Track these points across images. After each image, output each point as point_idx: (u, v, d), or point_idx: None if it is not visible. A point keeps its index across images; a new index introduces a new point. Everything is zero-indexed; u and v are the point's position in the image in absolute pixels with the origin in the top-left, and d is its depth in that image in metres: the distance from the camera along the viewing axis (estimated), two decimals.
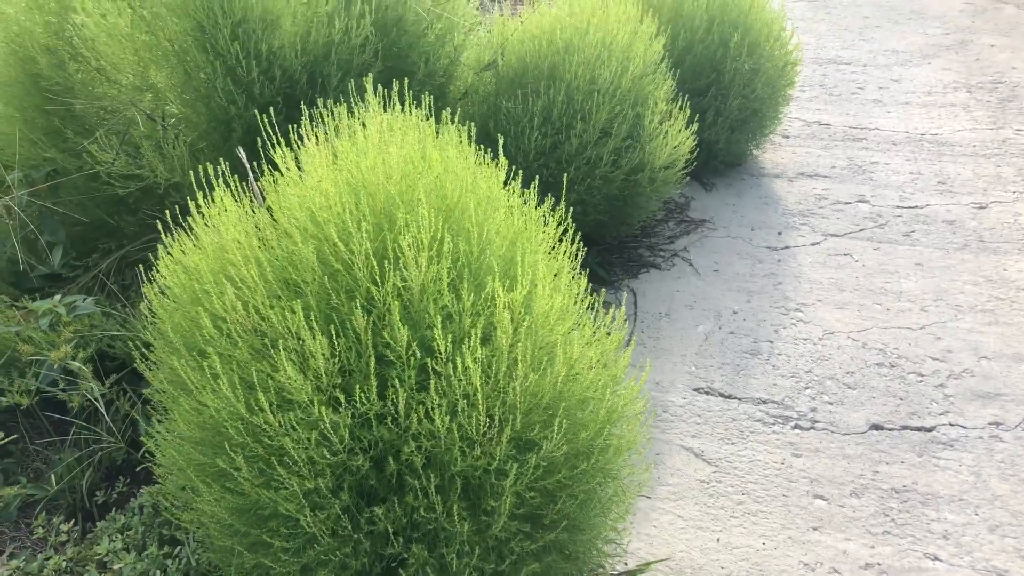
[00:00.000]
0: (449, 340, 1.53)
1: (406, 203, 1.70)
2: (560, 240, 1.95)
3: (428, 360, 1.53)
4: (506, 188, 1.95)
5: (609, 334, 1.85)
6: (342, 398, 1.50)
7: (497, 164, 1.96)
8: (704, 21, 3.51)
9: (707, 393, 2.75)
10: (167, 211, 1.92)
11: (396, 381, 1.52)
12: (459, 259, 1.68)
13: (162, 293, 1.86)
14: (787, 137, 4.28)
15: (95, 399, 2.06)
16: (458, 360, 1.50)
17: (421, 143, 1.87)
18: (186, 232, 1.85)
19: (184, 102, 2.41)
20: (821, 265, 3.31)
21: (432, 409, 1.48)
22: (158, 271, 1.83)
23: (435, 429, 1.50)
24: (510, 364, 1.56)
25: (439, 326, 1.50)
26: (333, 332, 1.52)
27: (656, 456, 2.50)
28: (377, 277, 1.58)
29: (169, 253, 1.82)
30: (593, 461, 1.63)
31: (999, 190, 3.73)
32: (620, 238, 3.45)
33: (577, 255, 1.95)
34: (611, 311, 1.85)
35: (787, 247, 3.43)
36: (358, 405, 1.51)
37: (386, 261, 1.59)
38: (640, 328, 3.03)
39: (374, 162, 1.73)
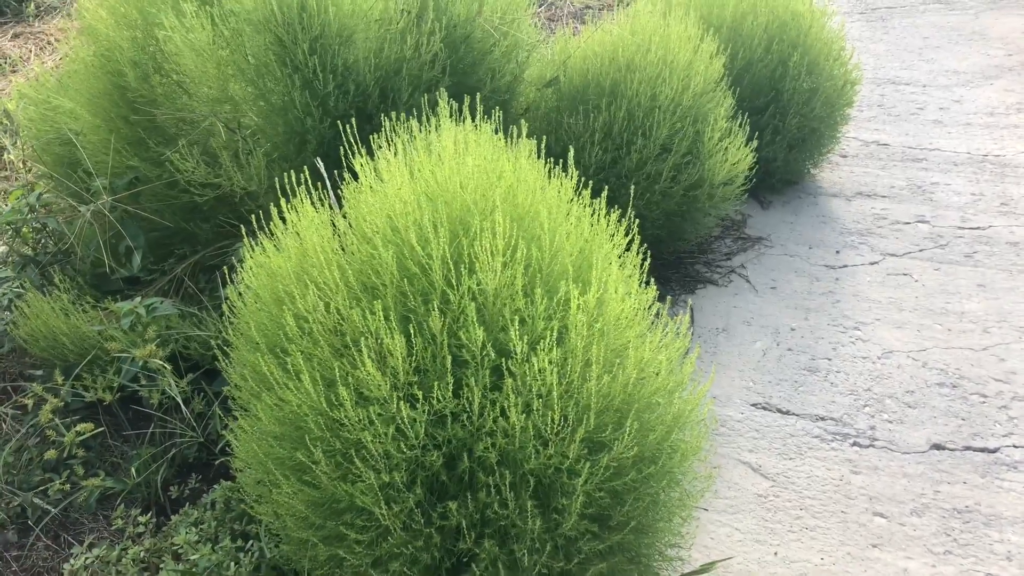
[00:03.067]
0: (524, 342, 1.57)
1: (480, 211, 1.76)
2: (627, 249, 2.00)
3: (502, 361, 1.58)
4: (575, 199, 2.01)
5: (677, 338, 1.88)
6: (419, 394, 1.56)
7: (568, 175, 2.01)
8: (763, 40, 3.54)
9: (765, 408, 2.75)
10: (250, 216, 2.01)
11: (471, 380, 1.57)
12: (531, 264, 1.73)
13: (241, 296, 1.94)
14: (845, 157, 4.26)
15: (175, 395, 2.15)
16: (534, 360, 1.54)
17: (495, 154, 1.93)
18: (268, 237, 1.93)
19: (261, 114, 2.51)
20: (880, 284, 3.29)
21: (508, 408, 1.53)
22: (240, 274, 1.92)
23: (509, 427, 1.55)
24: (584, 365, 1.60)
25: (515, 327, 1.55)
26: (412, 332, 1.58)
27: (714, 469, 2.50)
28: (453, 280, 1.64)
29: (252, 256, 1.90)
30: (660, 464, 1.66)
31: None
32: (677, 253, 3.47)
33: (643, 265, 1.99)
34: (676, 318, 1.89)
35: (845, 266, 3.42)
36: (434, 403, 1.56)
37: (462, 266, 1.64)
38: (698, 342, 3.05)
39: (450, 172, 1.79)
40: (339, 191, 2.02)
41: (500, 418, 1.55)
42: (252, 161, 2.42)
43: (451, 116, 2.14)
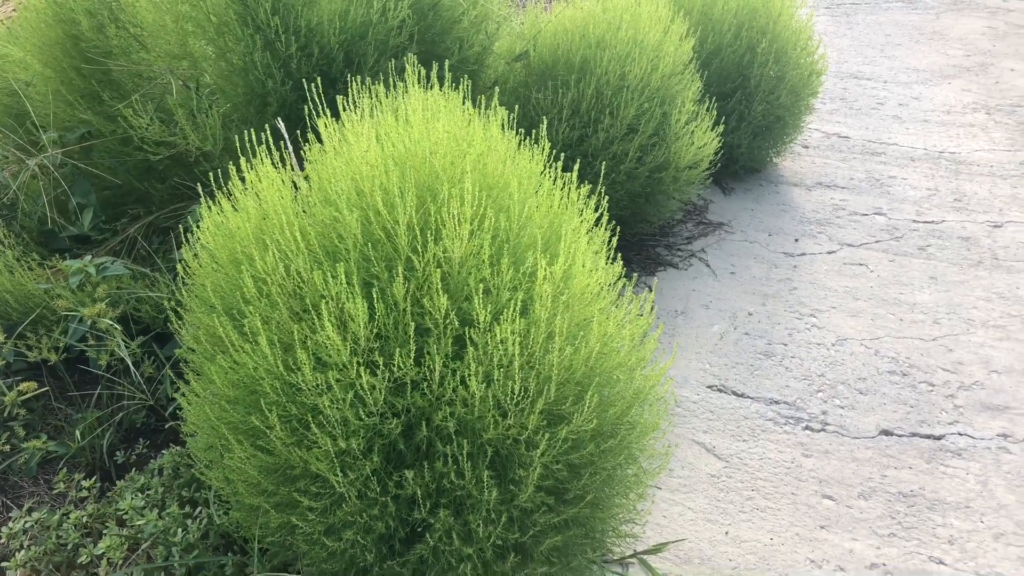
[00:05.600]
0: (488, 311, 1.55)
1: (450, 178, 1.72)
2: (595, 225, 1.98)
3: (465, 330, 1.56)
4: (545, 172, 1.99)
5: (640, 316, 1.88)
6: (380, 361, 1.53)
7: (539, 146, 1.99)
8: (733, 26, 3.54)
9: (720, 391, 2.77)
10: (206, 176, 1.95)
11: (433, 348, 1.54)
12: (499, 234, 1.71)
13: (196, 257, 1.88)
14: (807, 147, 4.31)
15: (125, 356, 2.09)
16: (496, 330, 1.52)
17: (466, 121, 1.90)
18: (225, 197, 1.87)
19: (220, 73, 2.43)
20: (836, 273, 3.34)
21: (469, 377, 1.51)
22: (196, 234, 1.86)
23: (469, 396, 1.52)
24: (547, 337, 1.59)
25: (479, 296, 1.53)
26: (374, 297, 1.55)
27: (668, 449, 2.52)
28: (419, 247, 1.61)
29: (209, 216, 1.84)
30: (619, 439, 1.66)
31: (1015, 211, 3.76)
32: (640, 236, 3.48)
33: (611, 241, 1.98)
34: (641, 296, 1.88)
35: (803, 254, 3.46)
36: (395, 370, 1.53)
37: (428, 232, 1.61)
38: (656, 324, 3.06)
39: (419, 136, 1.76)
40: (301, 152, 1.96)
41: (460, 387, 1.53)
42: (208, 121, 2.34)
43: (419, 83, 2.10)
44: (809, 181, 4.00)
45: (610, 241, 1.96)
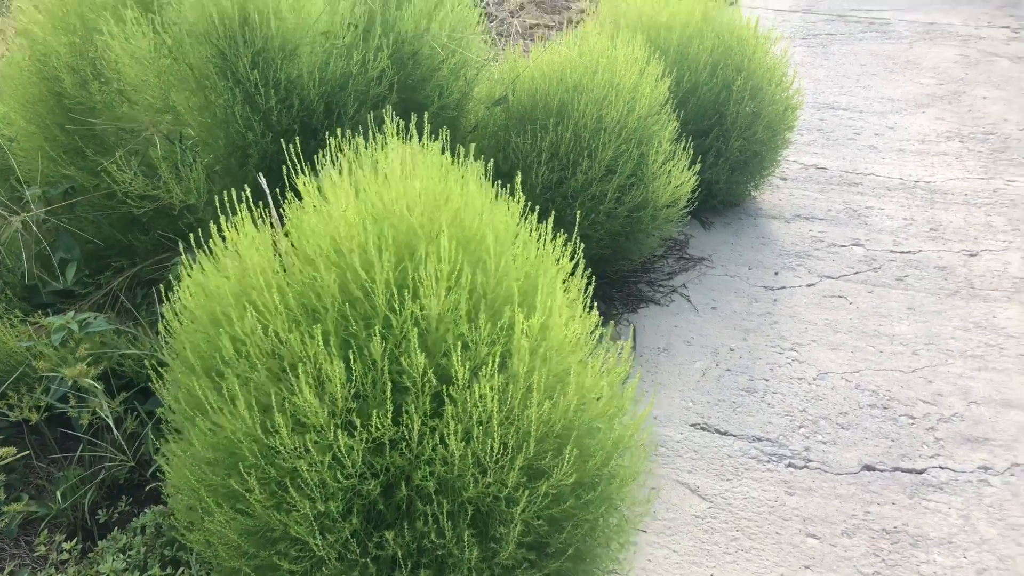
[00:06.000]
0: (467, 368, 1.57)
1: (427, 235, 1.75)
2: (572, 273, 2.01)
3: (443, 387, 1.57)
4: (521, 223, 2.01)
5: (619, 362, 1.90)
6: (357, 422, 1.54)
7: (514, 198, 2.02)
8: (708, 64, 3.61)
9: (703, 429, 2.79)
10: (188, 233, 1.97)
11: (411, 407, 1.56)
12: (476, 289, 1.73)
13: (177, 315, 1.90)
14: (785, 180, 4.37)
15: (105, 416, 2.09)
16: (475, 387, 1.54)
17: (443, 176, 1.93)
18: (206, 254, 1.89)
19: (202, 126, 2.46)
20: (816, 306, 3.38)
21: (448, 435, 1.52)
22: (177, 292, 1.87)
23: (448, 455, 1.54)
24: (525, 392, 1.60)
25: (457, 353, 1.55)
26: (351, 357, 1.56)
27: (652, 491, 2.53)
28: (396, 305, 1.63)
29: (190, 275, 1.86)
30: (600, 491, 1.67)
31: (989, 239, 3.82)
32: (621, 272, 3.51)
33: (587, 289, 2.00)
34: (618, 344, 1.91)
35: (783, 287, 3.50)
36: (373, 430, 1.55)
37: (405, 290, 1.63)
38: (639, 363, 3.08)
39: (397, 194, 1.78)
40: (281, 209, 1.98)
41: (439, 446, 1.55)
42: (192, 174, 2.36)
43: (398, 134, 2.13)
44: (788, 213, 4.05)
45: (587, 289, 1.99)
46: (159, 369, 1.90)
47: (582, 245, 2.08)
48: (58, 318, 2.34)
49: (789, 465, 2.65)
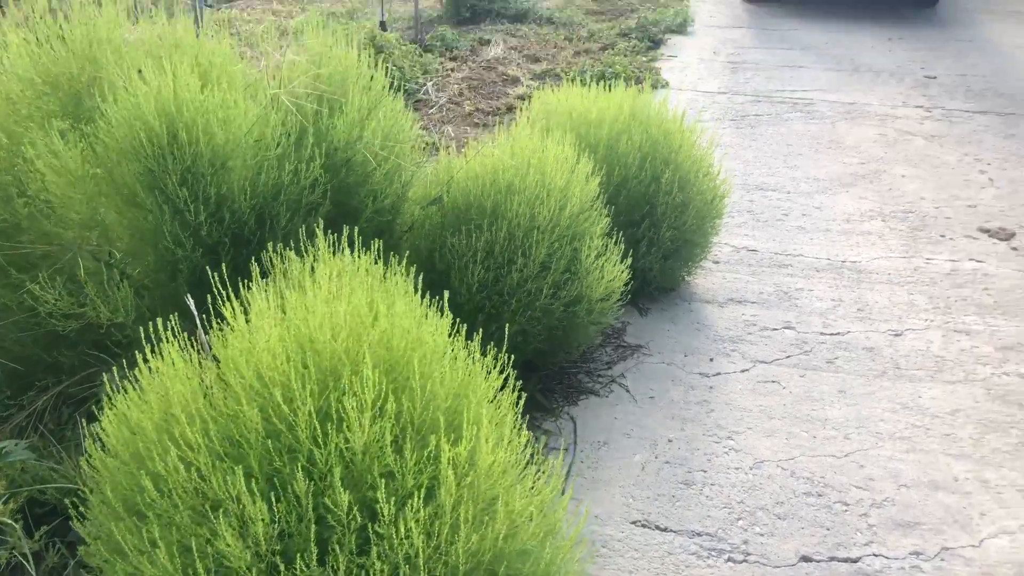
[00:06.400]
0: (392, 503, 1.56)
1: (352, 361, 1.76)
2: (503, 388, 2.03)
3: (369, 525, 1.56)
4: (452, 336, 2.04)
5: (550, 480, 1.91)
6: (282, 566, 1.51)
7: (442, 314, 2.05)
8: (637, 158, 3.73)
9: (644, 526, 2.80)
10: (115, 350, 1.94)
11: (335, 546, 1.54)
12: (403, 416, 1.73)
13: (103, 447, 1.86)
14: (717, 263, 4.49)
15: (23, 555, 2.01)
16: (400, 522, 1.53)
17: (369, 295, 1.95)
18: (131, 383, 1.87)
19: (131, 241, 2.45)
20: (751, 392, 3.45)
21: (374, 575, 1.51)
22: (101, 426, 1.83)
23: None
24: (452, 525, 1.60)
25: (381, 488, 1.54)
26: (273, 498, 1.55)
27: None
28: (319, 438, 1.62)
29: (112, 407, 1.83)
30: None
31: (912, 318, 3.96)
32: (561, 364, 3.54)
33: (519, 402, 2.03)
34: (548, 461, 1.92)
35: (718, 373, 3.57)
36: (298, 572, 1.52)
37: (329, 423, 1.63)
38: (580, 458, 3.09)
39: (322, 320, 1.79)
40: (208, 335, 1.98)
41: None
42: (119, 292, 2.34)
43: (329, 247, 2.15)
44: (721, 297, 4.15)
45: (518, 402, 2.01)
46: (80, 507, 1.85)
47: (510, 357, 2.11)
48: None
49: (729, 560, 2.66)
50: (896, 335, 3.84)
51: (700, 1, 11.33)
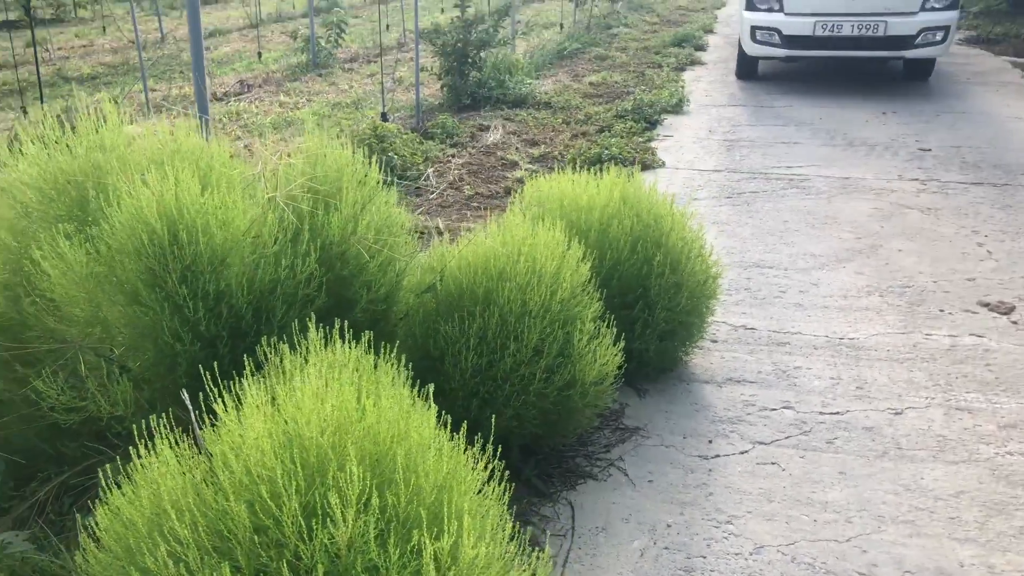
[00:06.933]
0: None
1: (338, 456, 1.80)
2: (489, 480, 2.06)
3: None
4: (439, 429, 2.08)
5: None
6: None
7: (429, 406, 2.10)
8: (628, 242, 3.82)
9: None
10: (115, 443, 1.99)
11: None
12: (387, 510, 1.77)
13: (96, 543, 1.89)
14: (715, 342, 4.53)
15: None
16: None
17: (356, 390, 2.00)
18: (127, 478, 1.91)
19: (131, 336, 2.53)
20: (750, 475, 3.44)
21: None
22: (94, 520, 1.87)
23: None
24: None
25: None
26: None
27: None
28: (304, 535, 1.65)
29: (105, 503, 1.87)
30: None
31: (912, 396, 3.97)
32: (557, 448, 3.55)
33: (505, 493, 2.05)
34: (535, 553, 1.93)
35: (717, 455, 3.57)
36: None
37: (314, 519, 1.66)
38: (577, 544, 3.08)
39: (309, 416, 1.84)
40: (202, 430, 2.03)
41: None
42: (118, 387, 2.41)
43: (322, 341, 2.22)
44: (719, 377, 4.18)
45: (504, 494, 2.03)
46: None
47: (498, 448, 2.14)
48: None
49: None
50: (896, 414, 3.84)
51: (695, 80, 11.65)
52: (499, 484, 2.03)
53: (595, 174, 4.14)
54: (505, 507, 1.97)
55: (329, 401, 1.89)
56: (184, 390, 2.18)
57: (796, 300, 5.02)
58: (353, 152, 3.04)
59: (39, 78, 7.02)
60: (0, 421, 2.64)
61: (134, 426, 1.88)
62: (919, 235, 6.01)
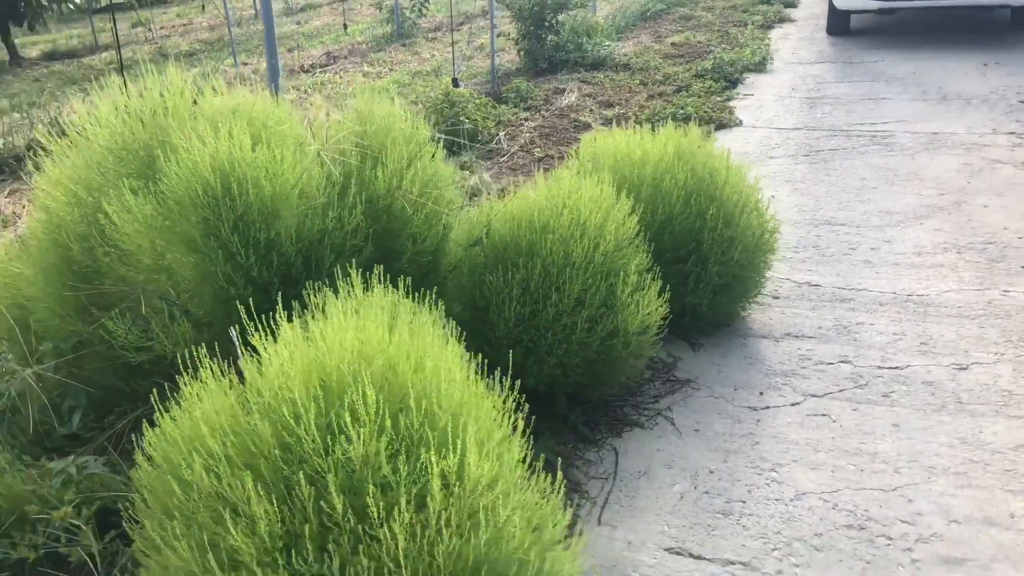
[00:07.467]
0: (382, 507, 1.72)
1: (357, 382, 1.94)
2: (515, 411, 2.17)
3: (360, 527, 1.72)
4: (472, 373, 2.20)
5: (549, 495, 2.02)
6: (281, 561, 1.69)
7: (462, 343, 2.22)
8: (682, 196, 3.82)
9: (678, 553, 2.83)
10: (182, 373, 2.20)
11: (331, 546, 1.71)
12: (400, 433, 1.90)
13: (149, 460, 2.10)
14: (777, 298, 4.47)
15: (87, 556, 2.27)
16: (386, 528, 1.68)
17: (386, 326, 2.14)
18: (176, 403, 2.12)
19: (192, 283, 2.74)
20: (799, 425, 3.42)
21: (360, 573, 1.66)
22: (148, 441, 2.09)
23: None
24: (437, 531, 1.74)
25: (371, 496, 1.70)
26: (277, 500, 1.73)
27: None
28: (321, 450, 1.80)
29: (157, 424, 2.08)
30: None
31: (980, 351, 3.83)
32: (605, 397, 3.62)
33: (526, 431, 2.15)
34: (541, 478, 2.03)
35: (767, 407, 3.56)
36: (296, 565, 1.69)
37: (331, 436, 1.81)
38: (618, 487, 3.16)
39: (332, 345, 1.99)
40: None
41: None
42: (179, 327, 2.63)
43: (365, 287, 2.37)
44: (777, 332, 4.14)
45: (526, 431, 2.13)
46: (131, 512, 2.10)
47: (518, 381, 2.24)
48: (59, 462, 2.57)
49: None
50: (961, 369, 3.72)
51: (783, 38, 11.28)
52: (514, 413, 2.13)
53: (653, 130, 4.14)
54: (520, 434, 2.07)
55: (350, 332, 2.03)
56: (233, 327, 2.36)
57: (865, 257, 4.89)
58: (425, 117, 3.16)
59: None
60: (82, 360, 2.91)
61: (185, 357, 2.07)
62: (1009, 190, 5.72)
